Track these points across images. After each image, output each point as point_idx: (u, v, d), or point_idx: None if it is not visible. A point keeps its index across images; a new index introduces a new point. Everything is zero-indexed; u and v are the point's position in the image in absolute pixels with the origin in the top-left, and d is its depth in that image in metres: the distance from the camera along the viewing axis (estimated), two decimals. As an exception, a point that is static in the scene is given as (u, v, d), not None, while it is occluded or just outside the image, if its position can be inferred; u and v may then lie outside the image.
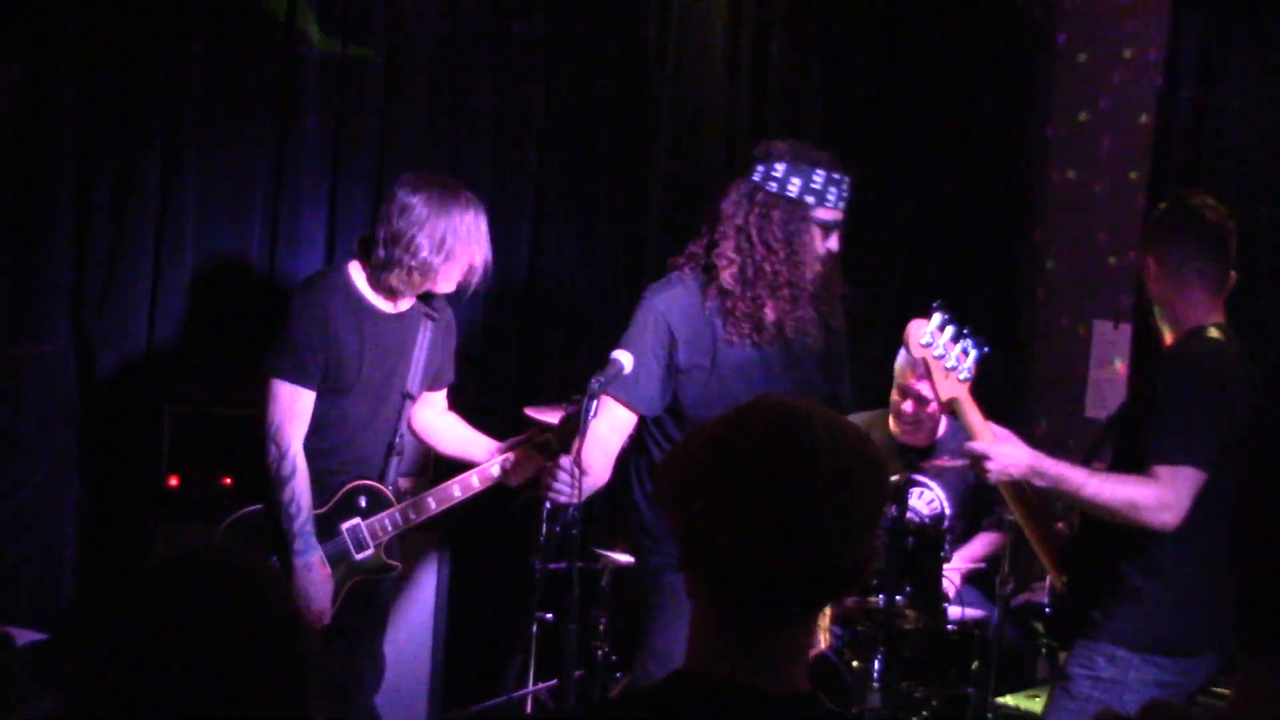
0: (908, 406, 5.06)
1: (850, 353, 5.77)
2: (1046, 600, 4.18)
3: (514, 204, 5.59)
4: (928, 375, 3.50)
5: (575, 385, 5.59)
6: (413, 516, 4.25)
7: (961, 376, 3.43)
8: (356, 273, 4.18)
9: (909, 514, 4.79)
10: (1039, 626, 3.82)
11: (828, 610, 3.70)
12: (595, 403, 3.46)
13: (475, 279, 4.23)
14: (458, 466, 4.45)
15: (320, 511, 4.15)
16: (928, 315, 3.48)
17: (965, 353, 3.45)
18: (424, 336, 4.27)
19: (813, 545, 1.73)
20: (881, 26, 6.08)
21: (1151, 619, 3.47)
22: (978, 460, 3.41)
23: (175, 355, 4.85)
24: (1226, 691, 4.06)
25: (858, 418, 5.31)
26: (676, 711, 1.76)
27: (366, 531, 4.21)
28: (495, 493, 5.38)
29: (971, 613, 4.79)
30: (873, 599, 4.54)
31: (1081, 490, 3.38)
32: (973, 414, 3.45)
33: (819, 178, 3.73)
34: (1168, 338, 3.60)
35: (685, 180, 5.81)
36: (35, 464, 4.67)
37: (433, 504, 4.26)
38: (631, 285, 5.79)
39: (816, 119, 6.03)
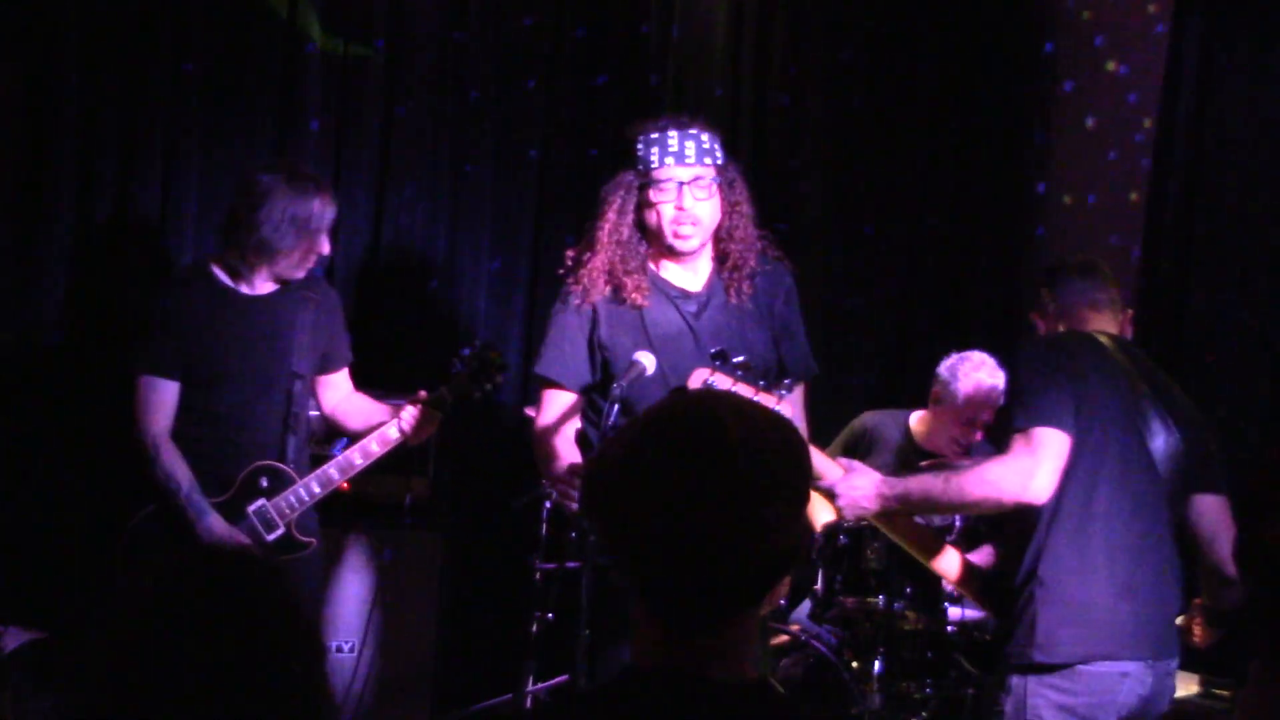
0: (977, 435, 5.08)
1: (850, 353, 5.78)
2: None
3: (515, 203, 5.60)
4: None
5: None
6: (317, 489, 4.23)
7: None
8: (217, 261, 4.22)
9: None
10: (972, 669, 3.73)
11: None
12: (615, 407, 3.44)
13: (309, 264, 4.20)
14: None
15: (224, 498, 4.17)
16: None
17: (761, 392, 3.35)
18: (303, 318, 4.26)
19: (736, 538, 1.70)
20: (884, 22, 6.07)
21: (1034, 624, 3.29)
22: (830, 497, 3.32)
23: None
24: (1225, 693, 4.07)
25: (873, 416, 5.30)
26: (630, 706, 1.75)
27: (273, 511, 4.19)
28: (495, 492, 5.40)
29: (971, 614, 4.78)
30: (873, 600, 4.54)
31: (943, 496, 3.30)
32: (815, 455, 3.28)
33: (672, 139, 3.67)
34: None
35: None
36: (34, 463, 4.67)
37: (335, 474, 4.23)
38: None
39: (819, 116, 6.02)
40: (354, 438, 4.38)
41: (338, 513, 4.96)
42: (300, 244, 4.13)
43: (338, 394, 4.49)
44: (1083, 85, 6.01)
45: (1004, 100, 6.14)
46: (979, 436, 5.08)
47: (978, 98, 6.13)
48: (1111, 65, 5.86)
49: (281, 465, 4.24)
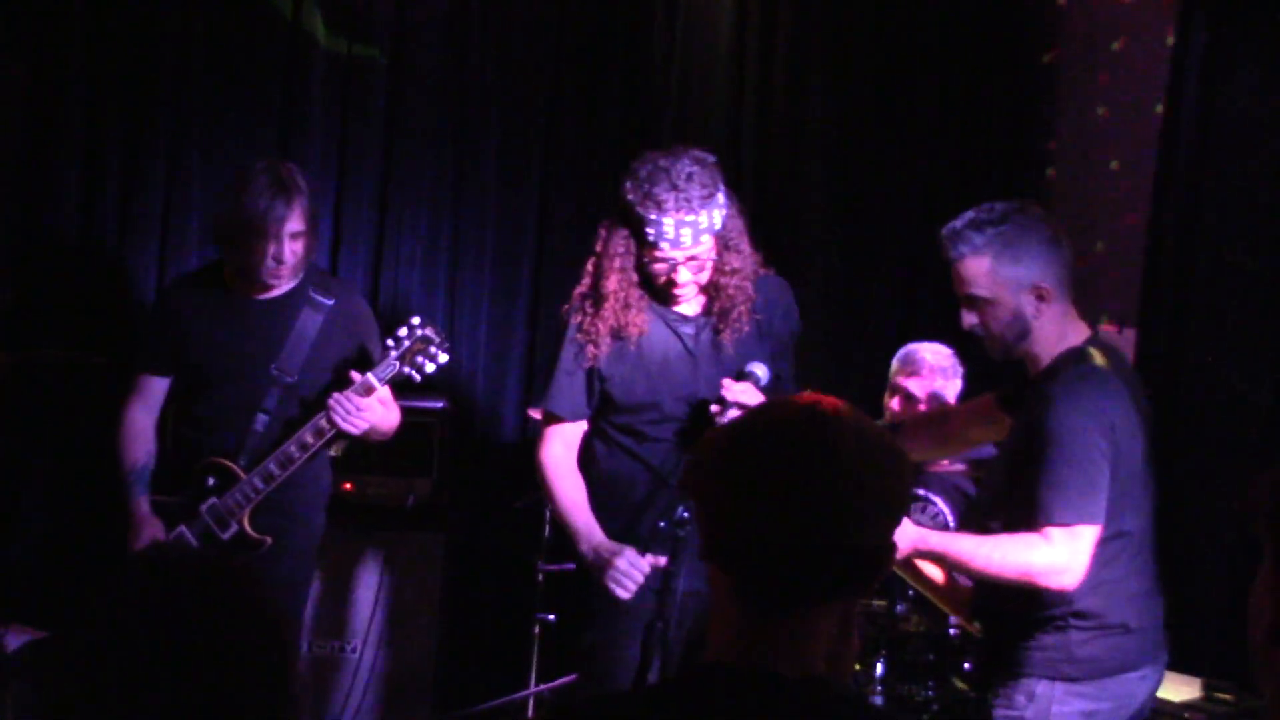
0: (895, 404, 5.04)
1: (852, 355, 5.78)
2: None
3: (519, 203, 5.60)
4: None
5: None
6: (260, 485, 4.14)
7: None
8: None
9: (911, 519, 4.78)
10: (960, 684, 3.70)
11: None
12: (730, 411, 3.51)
13: (264, 268, 4.06)
14: (372, 447, 4.45)
15: (178, 498, 4.17)
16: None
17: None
18: (304, 322, 4.18)
19: (829, 523, 1.76)
20: (887, 25, 6.06)
21: (1068, 647, 3.31)
22: None
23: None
24: (1227, 697, 4.06)
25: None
26: (694, 701, 1.78)
27: (223, 509, 4.16)
28: (498, 493, 5.41)
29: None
30: (875, 602, 4.54)
31: (971, 563, 3.25)
32: None
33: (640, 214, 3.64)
34: (1040, 362, 3.34)
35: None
36: (33, 466, 4.68)
37: (274, 468, 4.13)
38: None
39: (822, 118, 6.01)
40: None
41: (341, 515, 4.97)
42: (246, 244, 4.01)
43: None
44: (1091, 83, 6.01)
45: (1009, 97, 6.14)
46: (896, 405, 4.98)
47: (983, 100, 6.13)
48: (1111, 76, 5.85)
49: (227, 462, 4.16)
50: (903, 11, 6.06)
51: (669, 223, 3.60)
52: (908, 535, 3.27)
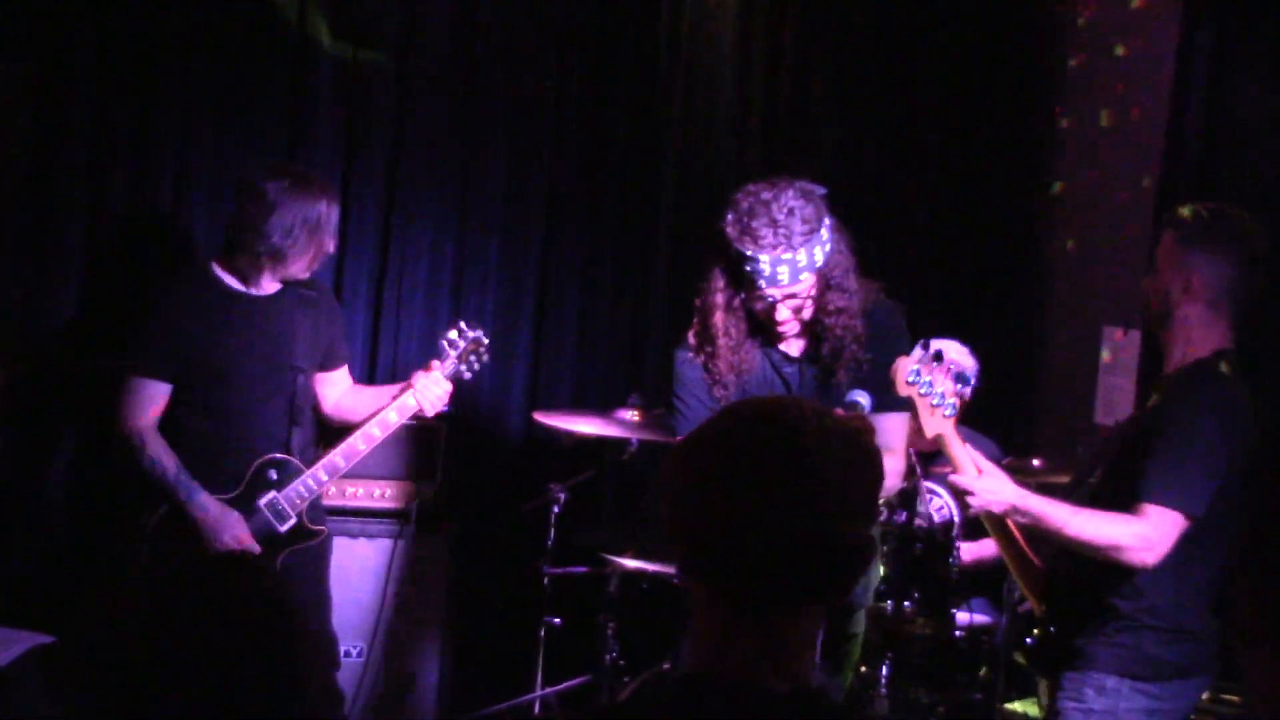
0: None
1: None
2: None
3: (526, 208, 5.60)
4: (914, 412, 3.44)
5: (584, 390, 5.66)
6: (324, 478, 4.35)
7: (946, 413, 3.39)
8: (219, 262, 4.30)
9: (918, 519, 4.77)
10: (1021, 659, 3.75)
11: None
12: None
13: (314, 266, 4.34)
14: (377, 450, 4.53)
15: (235, 494, 4.24)
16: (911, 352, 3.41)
17: (951, 386, 3.41)
18: (301, 315, 4.35)
19: (806, 524, 1.74)
20: (893, 27, 6.07)
21: (1140, 645, 3.41)
22: (962, 494, 3.38)
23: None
24: (1235, 699, 4.06)
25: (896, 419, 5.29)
26: (683, 714, 1.76)
27: (284, 502, 4.29)
28: (503, 497, 5.41)
29: (979, 619, 4.78)
30: (881, 604, 4.54)
31: (1064, 529, 3.34)
32: (957, 449, 3.39)
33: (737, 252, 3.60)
34: (1174, 360, 3.49)
35: (696, 185, 5.81)
36: (43, 464, 4.68)
37: (341, 461, 4.36)
38: (641, 287, 5.80)
39: (828, 122, 6.02)
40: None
41: (346, 519, 4.97)
42: (310, 247, 4.23)
43: (338, 390, 4.57)
44: (1097, 86, 6.01)
45: (1017, 101, 6.14)
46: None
47: (987, 100, 6.13)
48: (1121, 85, 5.85)
49: (288, 457, 4.32)
50: (908, 16, 6.07)
51: (765, 259, 3.51)
52: (1007, 493, 3.34)
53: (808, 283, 3.59)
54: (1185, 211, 3.49)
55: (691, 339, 3.78)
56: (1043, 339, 6.23)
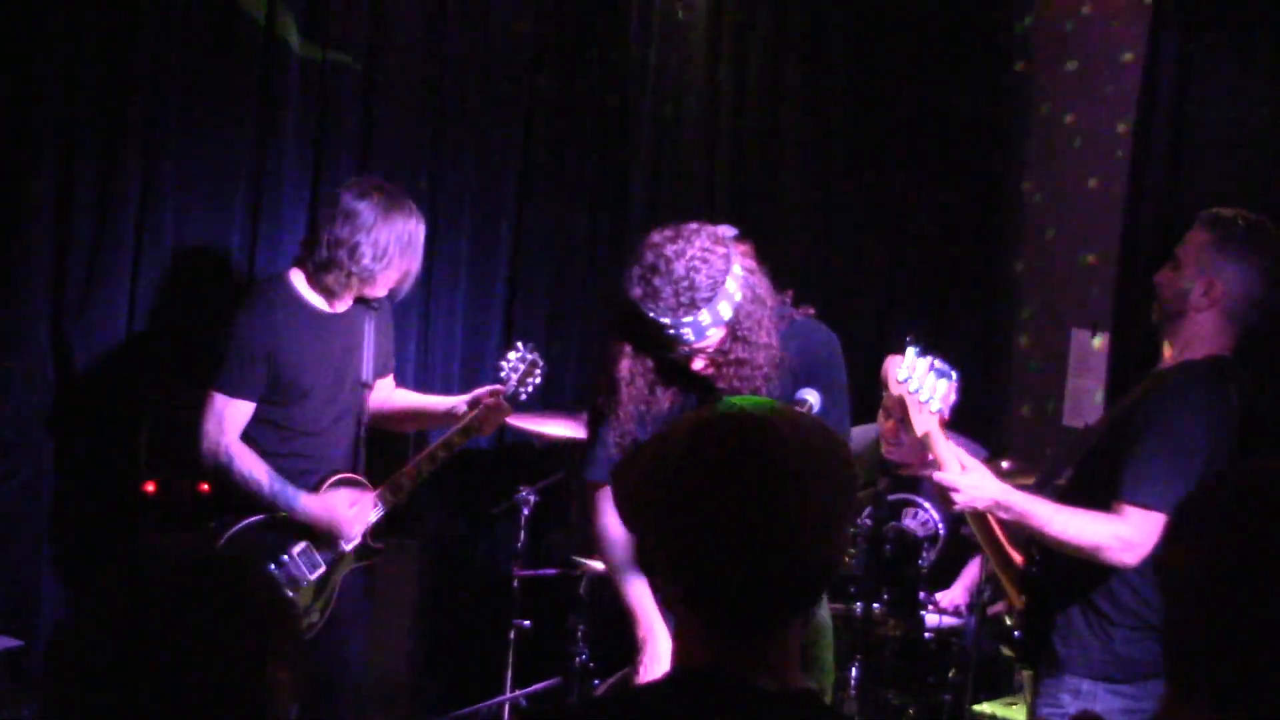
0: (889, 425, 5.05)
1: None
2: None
3: (495, 210, 5.60)
4: (903, 411, 3.43)
5: (554, 393, 5.66)
6: (390, 498, 4.35)
7: (934, 409, 3.40)
8: (298, 279, 4.25)
9: (901, 525, 4.80)
10: (1007, 651, 3.77)
11: None
12: None
13: (406, 285, 4.32)
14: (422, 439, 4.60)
15: None
16: (902, 349, 3.41)
17: (940, 385, 3.41)
18: (369, 329, 4.35)
19: (785, 552, 1.71)
20: (864, 20, 6.09)
21: (1111, 646, 3.41)
22: (945, 491, 3.39)
23: (154, 359, 4.83)
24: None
25: (856, 431, 5.30)
26: (679, 708, 1.74)
27: None
28: (474, 500, 5.41)
29: (949, 621, 4.80)
30: (851, 606, 4.55)
31: (1047, 526, 3.32)
32: (942, 447, 3.38)
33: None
34: (1168, 360, 3.47)
35: (666, 188, 5.83)
36: (12, 469, 4.64)
37: (407, 481, 4.37)
38: (610, 289, 5.80)
39: (797, 133, 6.04)
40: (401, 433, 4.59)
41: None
42: (401, 268, 4.21)
43: (382, 393, 4.55)
44: (1063, 94, 6.05)
45: (982, 111, 6.18)
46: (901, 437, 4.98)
47: (956, 110, 6.16)
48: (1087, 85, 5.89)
49: (357, 475, 4.33)
50: (879, 17, 6.09)
51: (668, 320, 3.36)
52: (991, 489, 3.33)
53: (715, 337, 3.43)
54: (1226, 213, 3.41)
55: (599, 390, 3.63)
56: (1011, 341, 6.26)
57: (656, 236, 3.39)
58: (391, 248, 4.14)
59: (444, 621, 5.34)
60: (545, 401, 5.57)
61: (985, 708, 4.66)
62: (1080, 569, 3.40)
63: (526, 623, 5.05)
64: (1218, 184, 5.10)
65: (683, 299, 3.32)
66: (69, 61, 4.74)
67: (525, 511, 5.07)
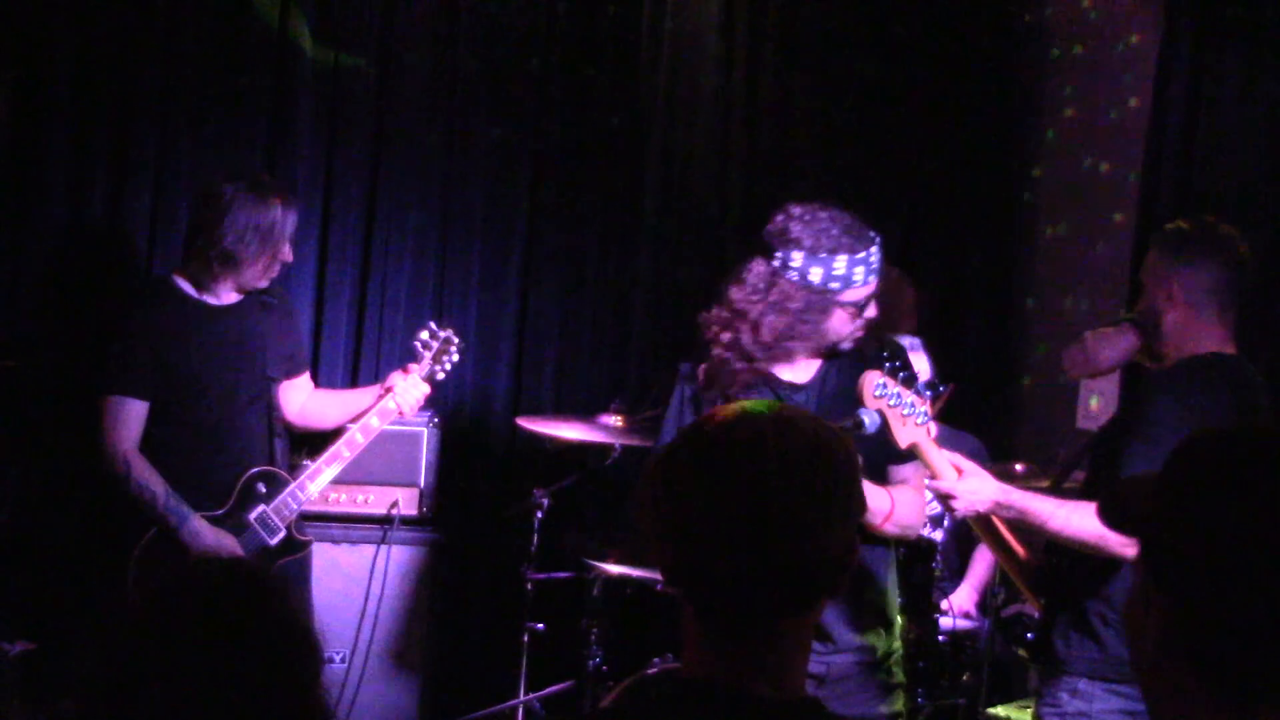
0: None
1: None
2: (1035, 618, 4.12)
3: (507, 212, 5.60)
4: (887, 426, 3.39)
5: (567, 395, 5.65)
6: (311, 488, 4.35)
7: (918, 421, 3.38)
8: (181, 276, 4.25)
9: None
10: (1023, 653, 3.76)
11: None
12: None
13: (274, 272, 4.28)
14: (361, 456, 4.52)
15: (224, 510, 4.22)
16: (880, 366, 3.37)
17: (919, 396, 3.38)
18: (268, 324, 4.34)
19: (773, 545, 1.72)
20: (874, 54, 6.06)
21: (1104, 645, 3.42)
22: (944, 498, 3.39)
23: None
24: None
25: None
26: (671, 718, 1.75)
27: (274, 516, 4.29)
28: (486, 502, 5.40)
29: (963, 623, 4.78)
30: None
31: (1049, 522, 3.33)
32: (934, 455, 3.37)
33: (840, 264, 3.45)
34: (1165, 359, 3.53)
35: (679, 192, 5.82)
36: (26, 471, 4.66)
37: (326, 469, 4.37)
38: (624, 292, 5.80)
39: (808, 153, 6.00)
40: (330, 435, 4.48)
41: (329, 525, 4.96)
42: (264, 253, 4.18)
43: (301, 395, 4.57)
44: (1076, 87, 6.03)
45: (993, 114, 6.16)
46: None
47: (967, 117, 6.15)
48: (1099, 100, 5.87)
49: (274, 469, 4.32)
50: (891, 35, 6.07)
51: (841, 261, 3.42)
52: (990, 491, 3.33)
53: (873, 286, 3.50)
54: (1170, 226, 3.61)
55: (701, 377, 3.60)
56: (1024, 344, 6.24)
57: (792, 209, 3.48)
58: (250, 233, 4.11)
59: (457, 624, 5.34)
60: (559, 405, 5.59)
61: (999, 711, 4.65)
62: (1078, 568, 3.41)
63: (540, 625, 5.05)
64: (1231, 173, 5.07)
65: (854, 233, 3.44)
66: (81, 66, 4.76)
67: (539, 514, 5.07)
